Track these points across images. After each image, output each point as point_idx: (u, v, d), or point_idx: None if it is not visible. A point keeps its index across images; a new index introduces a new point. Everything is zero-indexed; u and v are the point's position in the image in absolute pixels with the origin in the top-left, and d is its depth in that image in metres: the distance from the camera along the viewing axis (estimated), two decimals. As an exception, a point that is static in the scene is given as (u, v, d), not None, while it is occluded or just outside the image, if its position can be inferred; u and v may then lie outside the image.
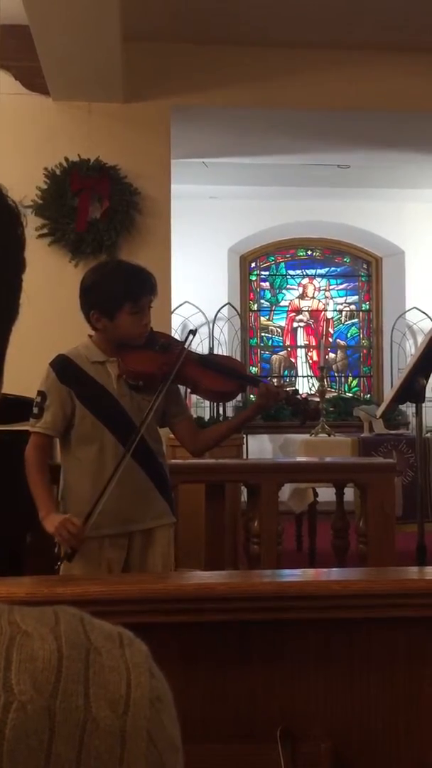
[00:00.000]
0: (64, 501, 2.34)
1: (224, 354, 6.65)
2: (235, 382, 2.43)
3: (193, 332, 2.43)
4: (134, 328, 2.27)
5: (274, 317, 8.66)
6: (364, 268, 8.69)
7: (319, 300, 8.69)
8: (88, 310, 2.28)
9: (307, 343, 8.65)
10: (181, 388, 2.50)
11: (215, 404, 7.06)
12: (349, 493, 3.89)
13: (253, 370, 8.30)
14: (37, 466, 2.28)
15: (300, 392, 2.59)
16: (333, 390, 8.34)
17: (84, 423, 2.26)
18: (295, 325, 8.67)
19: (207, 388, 2.40)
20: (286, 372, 8.58)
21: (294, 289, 8.68)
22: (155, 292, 2.32)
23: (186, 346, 2.40)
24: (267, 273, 8.65)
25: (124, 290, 2.25)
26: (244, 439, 6.61)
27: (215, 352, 7.39)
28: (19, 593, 1.32)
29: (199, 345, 7.37)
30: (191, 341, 2.40)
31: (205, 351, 7.30)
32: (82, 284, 2.32)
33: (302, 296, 8.69)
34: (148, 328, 2.32)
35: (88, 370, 2.29)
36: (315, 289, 8.69)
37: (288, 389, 2.54)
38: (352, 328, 8.70)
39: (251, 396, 7.24)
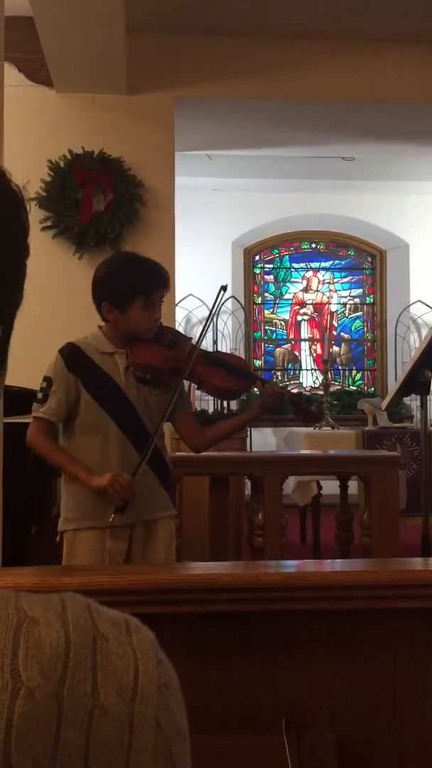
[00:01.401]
0: (66, 492, 2.34)
1: (228, 348, 6.65)
2: (240, 381, 2.45)
3: (224, 288, 2.46)
4: (145, 321, 2.29)
5: (277, 310, 8.64)
6: (368, 261, 8.67)
7: (323, 293, 8.68)
8: (100, 301, 2.30)
9: (311, 336, 8.64)
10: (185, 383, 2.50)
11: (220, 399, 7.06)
12: (352, 486, 3.90)
13: (257, 363, 8.29)
14: (49, 444, 2.29)
15: (304, 391, 2.65)
16: (337, 383, 8.33)
17: (89, 413, 2.27)
18: (299, 318, 8.66)
19: (213, 385, 2.42)
20: (289, 365, 8.58)
21: (298, 282, 8.67)
22: (168, 287, 2.34)
23: (212, 313, 2.46)
24: (271, 266, 8.64)
25: (137, 284, 2.27)
26: (248, 432, 6.61)
27: (219, 345, 7.39)
28: (25, 583, 1.32)
29: (202, 338, 7.35)
30: (222, 297, 2.44)
31: (209, 344, 7.30)
32: (95, 276, 2.34)
33: (306, 289, 8.67)
34: (158, 323, 2.34)
35: (97, 360, 2.30)
36: (319, 282, 8.68)
37: (292, 391, 2.57)
38: (356, 321, 8.69)
39: (255, 391, 7.23)
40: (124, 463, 2.27)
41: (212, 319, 2.47)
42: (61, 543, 2.36)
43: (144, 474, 2.29)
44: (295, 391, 3.01)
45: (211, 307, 2.52)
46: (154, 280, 2.29)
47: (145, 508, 2.30)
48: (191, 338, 2.47)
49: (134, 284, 2.26)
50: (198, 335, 2.44)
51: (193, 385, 2.54)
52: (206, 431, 2.52)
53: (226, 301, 7.87)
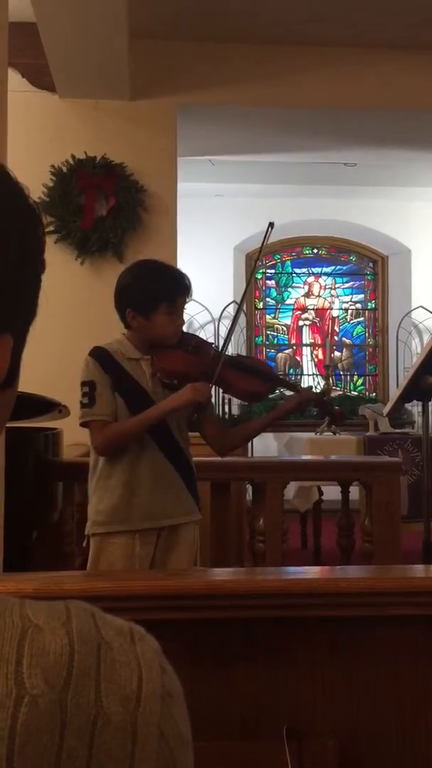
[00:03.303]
0: (97, 495, 2.34)
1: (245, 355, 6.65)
2: (268, 384, 2.48)
3: (272, 224, 2.48)
4: (169, 327, 2.31)
5: (279, 315, 8.65)
6: (369, 267, 8.67)
7: (325, 298, 8.68)
8: (124, 308, 2.32)
9: (312, 341, 8.65)
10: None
11: (222, 403, 7.06)
12: (354, 491, 3.89)
13: (259, 368, 8.29)
14: (116, 428, 2.25)
15: (327, 395, 2.68)
16: (338, 389, 8.33)
17: (120, 416, 2.29)
18: (300, 323, 8.66)
19: (240, 388, 2.45)
20: (291, 370, 8.58)
21: (299, 287, 8.68)
22: (190, 294, 2.36)
23: (262, 245, 2.51)
24: (273, 271, 8.65)
25: (161, 290, 2.29)
26: (249, 438, 6.59)
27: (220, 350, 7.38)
28: (27, 589, 1.32)
29: (228, 340, 7.35)
30: (269, 233, 2.44)
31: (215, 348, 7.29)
32: (119, 283, 2.36)
33: (308, 294, 8.68)
34: (182, 329, 2.36)
35: (125, 366, 2.32)
36: (320, 288, 8.69)
37: (316, 391, 2.60)
38: (358, 326, 8.70)
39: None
40: (153, 469, 2.29)
41: (260, 260, 2.48)
42: (85, 547, 2.36)
43: (170, 477, 2.31)
44: (318, 391, 3.05)
45: (260, 245, 2.53)
46: (178, 286, 2.32)
47: (172, 511, 2.31)
48: (213, 343, 2.50)
49: (158, 290, 2.29)
50: (227, 331, 2.46)
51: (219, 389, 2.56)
52: (231, 433, 2.54)
53: (228, 305, 7.89)
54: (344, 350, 8.65)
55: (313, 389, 8.03)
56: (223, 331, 7.86)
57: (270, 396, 2.79)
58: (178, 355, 2.34)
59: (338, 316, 8.68)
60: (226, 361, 2.42)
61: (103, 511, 2.30)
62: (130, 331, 2.35)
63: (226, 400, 7.11)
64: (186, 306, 2.36)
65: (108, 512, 2.29)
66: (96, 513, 2.32)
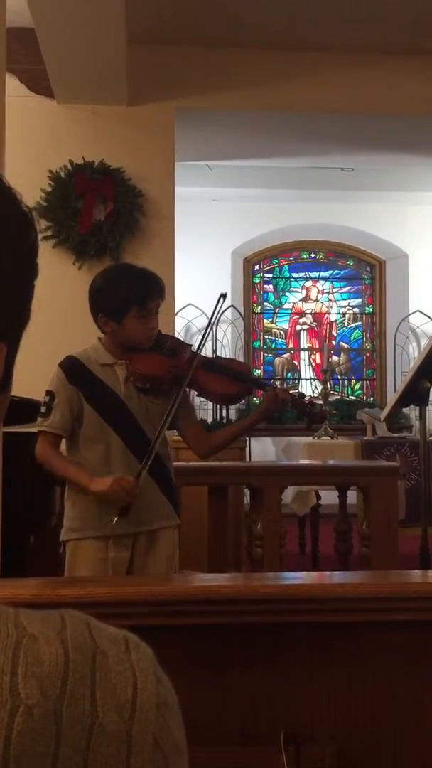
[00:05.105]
0: (70, 501, 2.34)
1: (229, 357, 6.65)
2: (241, 386, 2.45)
3: (224, 296, 2.48)
4: (141, 331, 2.29)
5: (277, 320, 8.66)
6: (367, 271, 8.68)
7: (323, 303, 8.69)
8: (96, 313, 2.31)
9: (310, 345, 8.65)
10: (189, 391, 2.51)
11: (219, 407, 7.06)
12: (351, 496, 3.89)
13: (257, 372, 8.30)
14: (54, 454, 2.29)
15: (306, 395, 2.65)
16: (336, 393, 8.33)
17: (91, 424, 2.28)
18: (298, 327, 8.67)
19: (213, 391, 2.43)
20: (289, 375, 8.58)
21: (297, 291, 8.69)
22: (162, 296, 2.34)
23: (212, 321, 2.50)
24: (270, 276, 8.66)
25: (130, 294, 2.27)
26: (247, 442, 6.60)
27: (219, 354, 7.40)
28: (23, 595, 1.32)
29: (202, 346, 7.35)
30: (222, 305, 2.45)
31: (208, 354, 7.29)
32: (90, 288, 2.34)
33: (305, 299, 8.69)
34: (156, 332, 2.34)
35: (97, 372, 2.31)
36: (318, 292, 8.70)
37: (293, 392, 2.57)
38: (356, 331, 8.70)
39: (254, 399, 7.23)
40: (126, 473, 2.27)
41: (212, 327, 2.50)
42: (62, 553, 2.35)
43: (145, 483, 2.28)
44: (295, 392, 3.02)
45: (210, 315, 2.54)
46: (147, 289, 2.30)
47: (147, 517, 2.30)
48: (191, 345, 2.47)
49: (127, 295, 2.27)
50: (197, 343, 2.44)
51: (193, 392, 2.54)
52: (212, 437, 2.53)
53: (225, 310, 7.89)
54: (342, 354, 8.66)
55: (312, 394, 8.06)
56: (221, 336, 7.87)
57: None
58: (152, 358, 2.32)
59: (336, 321, 8.69)
60: (201, 364, 2.39)
61: (75, 517, 2.30)
62: (105, 336, 2.33)
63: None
64: (159, 308, 2.33)
65: (81, 518, 2.28)
66: (69, 519, 2.32)
